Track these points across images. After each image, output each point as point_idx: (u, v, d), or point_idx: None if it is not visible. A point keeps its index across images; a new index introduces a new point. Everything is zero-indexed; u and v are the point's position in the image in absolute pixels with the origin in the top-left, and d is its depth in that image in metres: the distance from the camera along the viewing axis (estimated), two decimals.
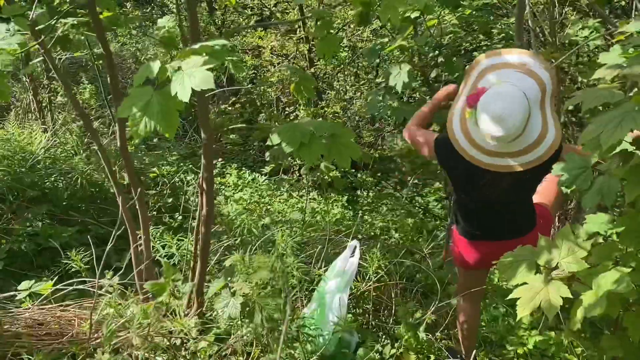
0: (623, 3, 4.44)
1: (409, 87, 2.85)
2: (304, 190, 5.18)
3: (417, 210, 4.97)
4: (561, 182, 1.63)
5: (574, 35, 3.15)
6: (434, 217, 4.88)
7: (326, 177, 3.45)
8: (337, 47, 1.70)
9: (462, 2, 2.90)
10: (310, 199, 5.07)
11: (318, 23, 1.75)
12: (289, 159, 4.48)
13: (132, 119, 1.36)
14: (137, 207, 2.20)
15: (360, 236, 4.08)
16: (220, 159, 5.78)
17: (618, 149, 1.38)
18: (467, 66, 2.09)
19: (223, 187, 5.19)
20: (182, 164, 5.09)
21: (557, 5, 2.97)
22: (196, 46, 1.41)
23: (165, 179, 4.49)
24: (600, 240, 1.72)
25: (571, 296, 1.34)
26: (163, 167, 4.73)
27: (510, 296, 1.41)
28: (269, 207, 4.85)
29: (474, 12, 3.30)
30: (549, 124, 1.87)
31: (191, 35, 1.64)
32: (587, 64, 3.28)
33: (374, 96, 3.32)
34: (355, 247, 2.70)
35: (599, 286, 1.34)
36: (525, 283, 1.43)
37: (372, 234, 4.34)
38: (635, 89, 1.74)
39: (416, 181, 5.64)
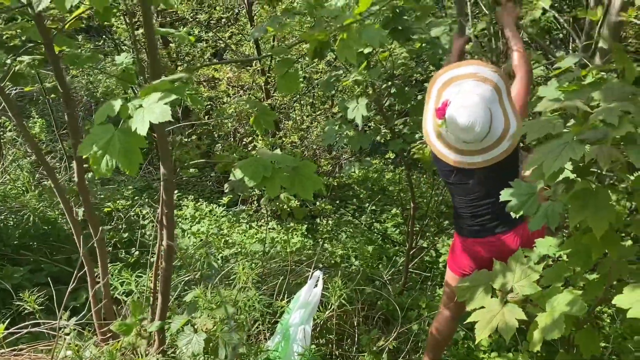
0: (561, 35, 4.72)
1: (366, 119, 2.95)
2: (263, 221, 5.17)
3: (376, 237, 5.03)
4: (510, 207, 1.72)
5: None
6: (392, 243, 4.95)
7: (285, 206, 3.48)
8: (298, 84, 1.75)
9: (412, 37, 3.02)
10: (269, 228, 5.06)
11: (277, 61, 1.80)
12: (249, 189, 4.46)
13: (93, 157, 1.36)
14: (95, 245, 2.16)
15: (321, 265, 4.10)
16: (176, 191, 5.71)
17: (562, 177, 1.48)
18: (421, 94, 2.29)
19: (179, 219, 5.12)
20: (137, 198, 5.01)
21: (500, 37, 3.15)
22: (156, 82, 1.43)
23: (120, 214, 4.40)
24: (550, 262, 1.82)
25: (526, 318, 1.40)
26: (118, 202, 4.64)
27: (469, 320, 1.47)
28: (227, 239, 4.81)
29: (424, 45, 3.43)
30: (510, 118, 2.11)
31: (151, 72, 1.66)
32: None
33: (331, 126, 3.40)
34: (319, 277, 2.72)
35: (553, 308, 1.41)
36: (482, 307, 1.49)
37: (333, 262, 4.37)
38: (573, 120, 1.87)
39: (374, 207, 5.72)
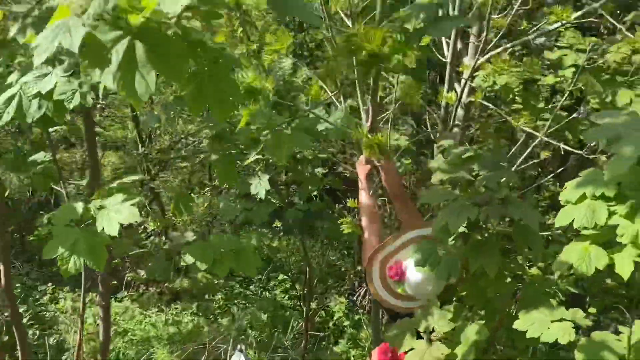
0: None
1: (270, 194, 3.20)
2: (151, 304, 5.03)
3: (267, 306, 5.15)
4: (415, 262, 2.04)
5: None
6: (283, 309, 5.12)
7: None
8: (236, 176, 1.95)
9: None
10: (157, 312, 4.95)
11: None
12: (144, 276, 4.38)
13: (60, 258, 1.42)
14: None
15: (240, 346, 4.13)
16: (50, 284, 5.32)
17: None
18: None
19: (60, 313, 4.80)
20: None
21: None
22: (114, 185, 1.55)
23: None
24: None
25: (448, 351, 1.71)
26: None
27: None
28: (115, 327, 4.61)
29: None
30: None
31: (91, 175, 1.75)
32: None
33: (226, 201, 3.60)
34: (243, 353, 2.79)
35: (467, 338, 1.74)
36: (412, 349, 1.77)
37: (230, 337, 4.40)
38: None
39: (259, 277, 5.86)
